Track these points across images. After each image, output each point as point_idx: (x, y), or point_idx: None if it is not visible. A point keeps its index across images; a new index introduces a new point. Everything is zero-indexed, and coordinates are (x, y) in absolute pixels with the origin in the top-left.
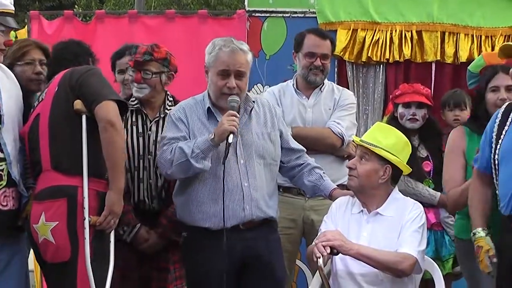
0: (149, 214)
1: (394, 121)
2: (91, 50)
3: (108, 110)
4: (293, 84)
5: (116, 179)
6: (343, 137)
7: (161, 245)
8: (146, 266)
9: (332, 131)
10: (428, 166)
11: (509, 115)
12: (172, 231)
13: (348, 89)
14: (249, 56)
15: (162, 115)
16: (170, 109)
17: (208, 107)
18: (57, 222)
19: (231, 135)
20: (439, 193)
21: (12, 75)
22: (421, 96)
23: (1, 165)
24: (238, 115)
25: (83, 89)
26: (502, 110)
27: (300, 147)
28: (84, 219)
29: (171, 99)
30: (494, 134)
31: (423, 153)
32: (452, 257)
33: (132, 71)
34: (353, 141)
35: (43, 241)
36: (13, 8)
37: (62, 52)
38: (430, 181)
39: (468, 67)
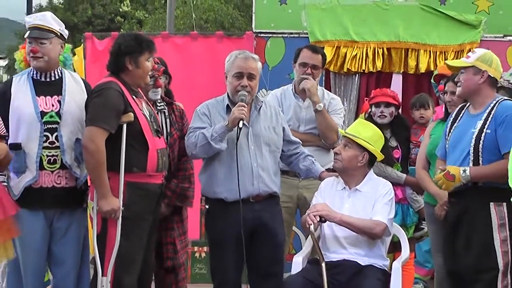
0: None
1: (370, 118)
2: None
3: (85, 135)
4: (292, 89)
5: (97, 188)
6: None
7: (168, 211)
8: (156, 228)
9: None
10: (397, 154)
11: (460, 114)
12: (175, 199)
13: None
14: (259, 64)
15: (156, 111)
16: (161, 105)
17: (227, 104)
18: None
19: (241, 121)
20: (404, 175)
21: (81, 81)
22: (388, 97)
23: (56, 152)
24: (246, 106)
25: (86, 110)
26: (456, 110)
27: (298, 140)
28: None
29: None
30: (447, 129)
31: (393, 143)
32: (415, 224)
33: (154, 80)
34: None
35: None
36: (37, 23)
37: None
38: (399, 165)
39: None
